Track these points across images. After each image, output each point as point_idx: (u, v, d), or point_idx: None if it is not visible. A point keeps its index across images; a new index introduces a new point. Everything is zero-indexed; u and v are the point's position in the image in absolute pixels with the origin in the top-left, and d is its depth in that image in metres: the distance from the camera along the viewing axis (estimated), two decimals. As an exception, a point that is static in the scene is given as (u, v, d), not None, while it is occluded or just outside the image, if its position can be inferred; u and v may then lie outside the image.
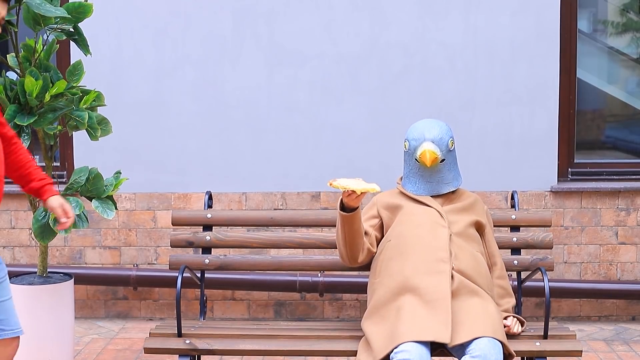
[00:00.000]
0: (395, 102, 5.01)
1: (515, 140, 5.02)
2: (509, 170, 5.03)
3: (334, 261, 3.85)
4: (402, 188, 3.61)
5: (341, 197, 3.34)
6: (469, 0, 4.96)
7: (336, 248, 3.85)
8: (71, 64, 3.98)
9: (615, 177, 5.16)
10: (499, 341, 3.13)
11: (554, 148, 5.04)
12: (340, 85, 5.02)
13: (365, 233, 3.53)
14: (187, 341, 3.46)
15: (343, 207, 3.36)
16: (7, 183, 5.08)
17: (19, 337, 3.08)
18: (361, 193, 3.23)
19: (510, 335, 3.42)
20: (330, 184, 3.23)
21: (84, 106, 3.83)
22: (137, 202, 5.10)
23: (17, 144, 3.17)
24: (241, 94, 5.02)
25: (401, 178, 3.67)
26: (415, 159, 3.51)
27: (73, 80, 3.86)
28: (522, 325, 3.51)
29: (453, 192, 3.59)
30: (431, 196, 3.55)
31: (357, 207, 3.35)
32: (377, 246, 3.55)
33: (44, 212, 3.72)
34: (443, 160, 3.51)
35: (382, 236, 3.56)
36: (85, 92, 3.87)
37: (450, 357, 3.28)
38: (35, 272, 4.05)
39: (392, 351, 3.08)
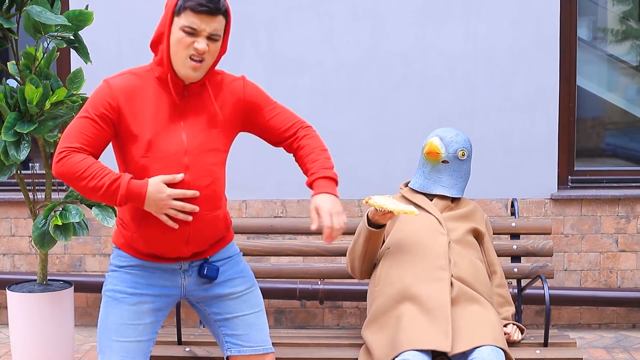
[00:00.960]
0: (395, 110, 5.01)
1: (515, 147, 5.02)
2: (509, 177, 5.03)
3: (334, 269, 3.85)
4: (403, 193, 3.62)
5: (367, 212, 3.35)
6: (469, 8, 4.97)
7: (336, 255, 3.86)
8: (71, 71, 3.98)
9: (615, 184, 5.16)
10: (501, 349, 3.12)
11: (554, 156, 5.04)
12: (340, 93, 5.02)
13: None
14: (187, 349, 3.46)
15: (369, 222, 3.36)
16: (6, 190, 5.13)
17: (268, 354, 2.90)
18: (397, 213, 3.24)
19: (511, 343, 3.42)
20: (366, 202, 3.23)
21: (84, 114, 3.82)
22: (137, 210, 5.09)
23: (300, 142, 2.97)
24: (241, 101, 5.01)
25: (405, 184, 3.69)
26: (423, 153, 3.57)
27: (73, 88, 3.87)
28: (522, 333, 3.51)
29: (452, 199, 3.59)
30: (429, 199, 3.56)
31: (385, 224, 3.36)
32: (379, 254, 3.55)
33: (43, 220, 3.71)
34: (446, 162, 3.53)
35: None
36: (86, 100, 3.86)
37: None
38: (35, 280, 4.04)
39: (392, 360, 3.08)
